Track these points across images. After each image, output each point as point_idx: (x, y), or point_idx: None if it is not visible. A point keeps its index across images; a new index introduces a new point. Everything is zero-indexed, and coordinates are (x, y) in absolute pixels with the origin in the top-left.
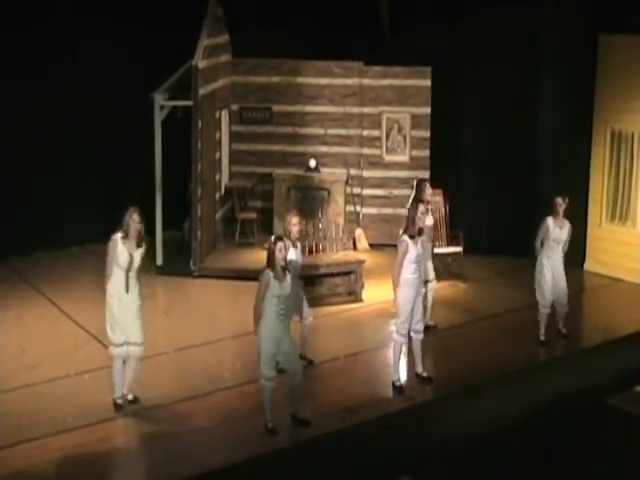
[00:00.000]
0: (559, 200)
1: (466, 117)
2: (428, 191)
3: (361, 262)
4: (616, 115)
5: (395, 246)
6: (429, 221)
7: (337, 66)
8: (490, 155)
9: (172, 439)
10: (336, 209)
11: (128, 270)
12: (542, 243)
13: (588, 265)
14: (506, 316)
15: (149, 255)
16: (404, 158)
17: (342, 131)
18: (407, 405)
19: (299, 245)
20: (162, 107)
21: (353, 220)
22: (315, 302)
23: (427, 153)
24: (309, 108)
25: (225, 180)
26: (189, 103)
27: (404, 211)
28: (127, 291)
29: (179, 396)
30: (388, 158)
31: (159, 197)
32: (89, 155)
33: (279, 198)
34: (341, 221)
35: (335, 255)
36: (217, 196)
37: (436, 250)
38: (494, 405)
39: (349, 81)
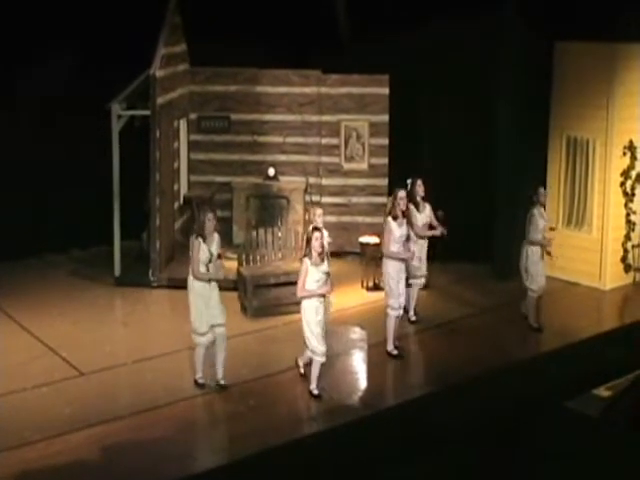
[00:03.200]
0: (542, 190)
1: (424, 125)
2: (420, 188)
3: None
4: (572, 122)
5: (355, 253)
6: (422, 220)
7: (295, 74)
8: (448, 162)
9: (131, 451)
10: (295, 217)
11: (209, 264)
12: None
13: (545, 270)
14: (466, 321)
15: (107, 265)
16: (363, 166)
17: (301, 139)
18: (370, 412)
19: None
20: (120, 117)
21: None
22: (276, 310)
23: (386, 161)
24: (267, 117)
25: (184, 190)
26: (147, 113)
27: (362, 219)
28: (209, 283)
29: (138, 408)
30: (347, 166)
31: (117, 207)
32: (45, 166)
33: (238, 207)
34: (300, 229)
35: (294, 263)
36: (176, 206)
37: None
38: (452, 411)
39: (307, 89)
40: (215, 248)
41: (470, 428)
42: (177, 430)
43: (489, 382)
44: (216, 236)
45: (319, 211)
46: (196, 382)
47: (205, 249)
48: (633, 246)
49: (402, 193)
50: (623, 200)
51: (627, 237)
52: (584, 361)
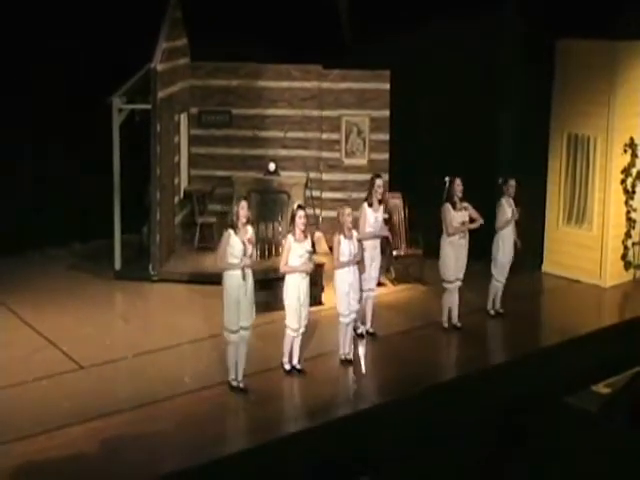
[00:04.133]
0: (512, 182)
1: (424, 120)
2: (458, 187)
3: (321, 265)
4: (573, 119)
5: None
6: (459, 219)
7: (296, 69)
8: (449, 158)
9: (130, 445)
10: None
11: (244, 257)
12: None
13: (546, 267)
14: (465, 318)
15: (107, 259)
16: (363, 161)
17: (301, 134)
18: (364, 407)
19: (354, 234)
20: (120, 110)
21: (313, 223)
22: (274, 305)
23: (386, 156)
24: (268, 111)
25: (184, 184)
26: (148, 106)
27: None
28: (244, 278)
29: (138, 402)
30: (347, 161)
31: (117, 201)
32: (46, 159)
33: (238, 202)
34: None
35: None
36: (176, 200)
37: (395, 253)
38: (450, 408)
39: (308, 84)
40: (249, 243)
41: (469, 424)
42: (177, 424)
43: (488, 379)
44: (249, 228)
45: (348, 210)
46: (230, 385)
47: (237, 241)
48: (633, 243)
49: (379, 181)
50: (624, 198)
51: (627, 234)
52: (584, 358)
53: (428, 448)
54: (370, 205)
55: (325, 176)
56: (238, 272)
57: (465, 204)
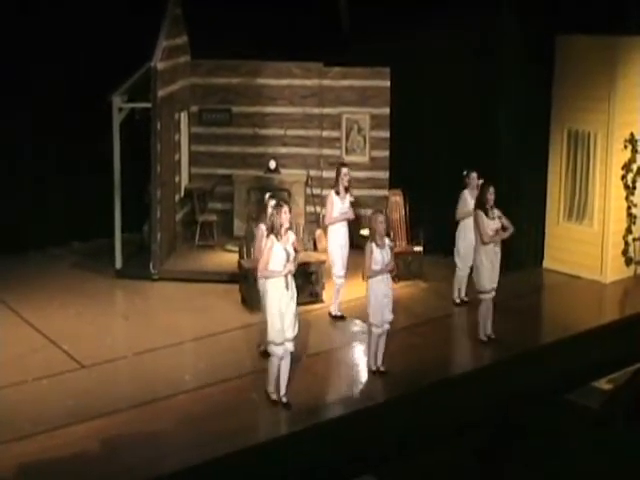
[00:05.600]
0: (474, 174)
1: (425, 117)
2: (491, 196)
3: (321, 263)
4: (573, 115)
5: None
6: (493, 226)
7: (297, 67)
8: (449, 155)
9: (131, 444)
10: (296, 210)
11: (287, 263)
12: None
13: (547, 263)
14: (463, 315)
15: (108, 258)
16: (364, 159)
17: (302, 132)
18: (366, 405)
19: (387, 242)
20: (121, 109)
21: (313, 221)
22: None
23: (387, 154)
24: (269, 109)
25: (185, 182)
26: (148, 105)
27: (364, 211)
28: (287, 288)
29: (138, 400)
30: (348, 159)
31: (118, 199)
32: (47, 158)
33: (239, 200)
34: (301, 222)
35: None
36: (177, 198)
37: (396, 250)
38: (450, 405)
39: (309, 82)
40: (290, 246)
41: (469, 421)
42: (177, 423)
43: (489, 375)
44: (291, 234)
45: (381, 217)
46: (271, 398)
47: (280, 248)
48: (634, 239)
49: (345, 170)
50: (624, 193)
51: (628, 230)
52: (585, 354)
53: (429, 446)
54: (337, 193)
55: (325, 174)
56: (281, 281)
57: (497, 212)
